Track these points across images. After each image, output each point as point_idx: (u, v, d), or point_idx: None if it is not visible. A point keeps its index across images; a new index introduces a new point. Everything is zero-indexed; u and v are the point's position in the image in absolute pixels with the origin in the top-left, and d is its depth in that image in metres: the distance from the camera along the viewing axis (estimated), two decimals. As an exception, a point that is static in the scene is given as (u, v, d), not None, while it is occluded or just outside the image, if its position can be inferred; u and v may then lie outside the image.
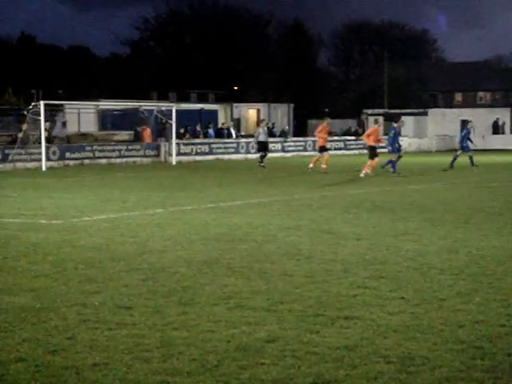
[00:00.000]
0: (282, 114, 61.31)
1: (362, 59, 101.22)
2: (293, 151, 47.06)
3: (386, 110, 69.26)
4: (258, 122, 37.26)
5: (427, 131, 63.45)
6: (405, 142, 58.63)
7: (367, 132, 29.51)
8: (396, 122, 29.83)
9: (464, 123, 33.86)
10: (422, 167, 33.21)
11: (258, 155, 34.84)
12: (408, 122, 65.77)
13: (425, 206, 16.87)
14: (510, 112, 60.21)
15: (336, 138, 55.31)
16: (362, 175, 26.20)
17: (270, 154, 35.16)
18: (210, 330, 6.68)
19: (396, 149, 28.71)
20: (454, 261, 9.91)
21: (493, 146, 53.25)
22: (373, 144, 27.46)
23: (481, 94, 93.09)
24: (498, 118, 58.45)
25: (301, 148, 48.34)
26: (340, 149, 51.87)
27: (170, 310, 7.40)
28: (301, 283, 8.60)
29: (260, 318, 7.10)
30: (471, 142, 32.21)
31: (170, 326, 6.81)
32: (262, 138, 34.45)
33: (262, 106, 59.63)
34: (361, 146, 54.45)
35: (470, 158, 31.24)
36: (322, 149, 30.19)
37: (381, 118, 32.97)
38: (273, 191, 21.02)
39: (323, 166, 28.69)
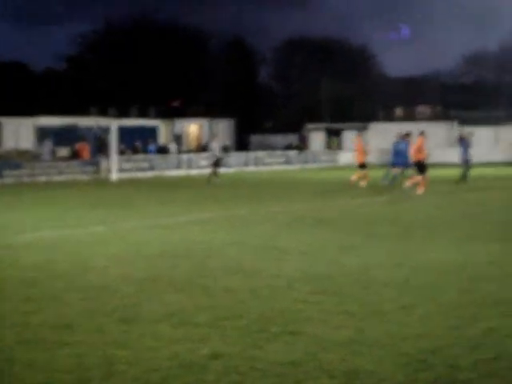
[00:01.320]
0: (223, 129, 61.38)
1: (302, 74, 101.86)
2: (234, 166, 47.13)
3: (328, 125, 69.87)
4: (212, 137, 37.25)
5: (369, 145, 64.11)
6: (347, 156, 59.35)
7: (416, 146, 25.86)
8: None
9: (461, 138, 33.76)
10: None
11: (209, 170, 34.86)
12: (349, 137, 66.53)
13: (369, 220, 16.99)
14: (450, 125, 61.18)
15: (278, 152, 55.61)
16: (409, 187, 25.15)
17: (209, 170, 35.15)
18: (152, 348, 6.58)
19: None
20: (397, 274, 9.97)
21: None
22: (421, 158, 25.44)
23: (420, 108, 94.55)
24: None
25: (242, 163, 48.47)
26: (282, 163, 52.13)
27: (112, 329, 7.27)
28: (245, 299, 8.55)
29: (203, 334, 7.02)
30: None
31: (111, 345, 6.69)
32: (218, 152, 34.56)
33: (204, 122, 59.63)
34: (303, 161, 54.87)
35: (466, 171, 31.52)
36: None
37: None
38: (216, 207, 20.97)
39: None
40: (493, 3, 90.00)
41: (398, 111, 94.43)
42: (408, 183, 24.89)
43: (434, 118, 71.96)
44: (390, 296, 8.59)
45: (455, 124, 61.12)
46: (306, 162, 55.24)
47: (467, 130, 40.06)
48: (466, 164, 31.51)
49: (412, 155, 25.25)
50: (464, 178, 31.03)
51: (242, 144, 64.48)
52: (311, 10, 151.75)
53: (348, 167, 53.41)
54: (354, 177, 29.42)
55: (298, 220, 17.11)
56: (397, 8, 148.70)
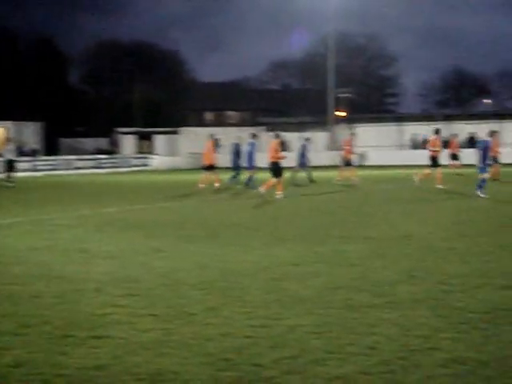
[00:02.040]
0: (31, 132, 59.61)
1: (114, 78, 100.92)
2: (43, 170, 45.92)
3: (138, 129, 69.58)
4: (8, 140, 36.02)
5: (179, 150, 64.52)
6: (158, 160, 59.39)
7: (273, 148, 25.66)
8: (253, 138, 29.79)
9: (305, 141, 34.54)
10: (176, 185, 33.66)
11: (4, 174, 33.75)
12: (160, 141, 66.61)
13: (178, 223, 17.11)
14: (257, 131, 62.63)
15: (89, 156, 54.79)
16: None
17: (18, 174, 34.09)
18: (-49, 359, 6.33)
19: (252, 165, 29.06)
20: (204, 276, 10.13)
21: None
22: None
23: (230, 113, 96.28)
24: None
25: (51, 167, 47.35)
26: (93, 167, 51.40)
27: None
28: (50, 304, 8.40)
29: (6, 342, 6.84)
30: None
31: None
32: (12, 156, 33.46)
33: (11, 125, 57.61)
34: (114, 165, 54.34)
35: (308, 174, 32.66)
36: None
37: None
38: (24, 211, 20.36)
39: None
40: (298, 12, 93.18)
41: (209, 116, 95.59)
42: (263, 187, 24.84)
43: (243, 123, 73.37)
44: (197, 298, 8.72)
45: (263, 129, 62.67)
46: (117, 165, 54.78)
47: (306, 135, 41.19)
48: (303, 167, 32.76)
49: (269, 157, 25.37)
50: (309, 180, 32.26)
51: (51, 148, 62.92)
52: (123, 14, 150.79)
53: (159, 171, 53.48)
54: (201, 182, 29.54)
55: (109, 223, 16.96)
56: (208, 15, 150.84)
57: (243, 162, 30.38)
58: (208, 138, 31.00)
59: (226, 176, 31.76)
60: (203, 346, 6.65)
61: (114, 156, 58.82)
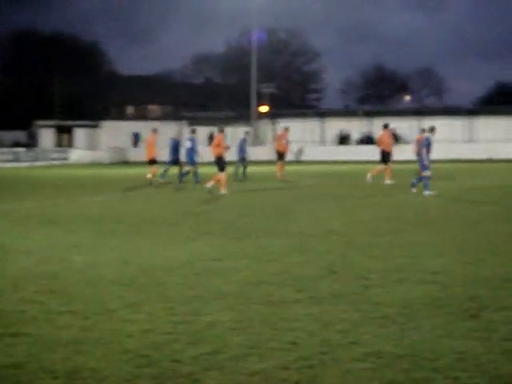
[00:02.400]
0: None
1: (32, 69, 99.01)
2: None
3: (58, 122, 68.47)
4: None
5: (100, 144, 63.76)
6: (78, 154, 58.51)
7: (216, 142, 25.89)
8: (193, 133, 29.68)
9: (244, 135, 34.11)
10: (96, 180, 33.25)
11: None
12: (80, 134, 65.67)
13: (99, 217, 16.89)
14: (179, 125, 62.31)
15: (6, 149, 53.66)
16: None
17: None
18: None
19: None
20: (124, 272, 10.01)
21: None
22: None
23: (152, 107, 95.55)
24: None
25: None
26: (10, 161, 50.35)
27: None
28: (-36, 302, 8.17)
29: None
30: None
31: None
32: None
33: None
34: (32, 158, 53.33)
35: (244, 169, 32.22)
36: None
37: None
38: None
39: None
40: (219, 7, 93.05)
41: (130, 110, 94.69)
42: (209, 182, 24.43)
43: (165, 117, 72.91)
44: (117, 294, 8.60)
45: (185, 124, 62.44)
46: (35, 159, 53.77)
47: (246, 129, 40.96)
48: (243, 162, 32.50)
49: (212, 151, 24.95)
50: (243, 175, 32.11)
51: None
52: (43, 4, 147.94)
53: (79, 165, 52.74)
54: (148, 175, 29.12)
55: (27, 218, 16.62)
56: (131, 7, 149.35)
57: (183, 158, 29.84)
58: (152, 132, 30.57)
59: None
60: (123, 343, 6.56)
61: (33, 149, 57.70)
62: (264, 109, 68.68)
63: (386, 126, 29.33)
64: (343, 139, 58.55)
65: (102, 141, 63.68)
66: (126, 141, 62.46)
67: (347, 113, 68.20)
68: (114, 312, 7.73)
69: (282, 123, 60.85)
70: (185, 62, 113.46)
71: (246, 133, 34.96)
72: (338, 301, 8.15)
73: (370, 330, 6.90)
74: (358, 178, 29.28)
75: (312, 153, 57.00)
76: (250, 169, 34.92)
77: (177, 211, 18.56)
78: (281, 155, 32.98)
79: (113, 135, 61.60)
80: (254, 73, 62.88)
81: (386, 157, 28.42)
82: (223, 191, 24.11)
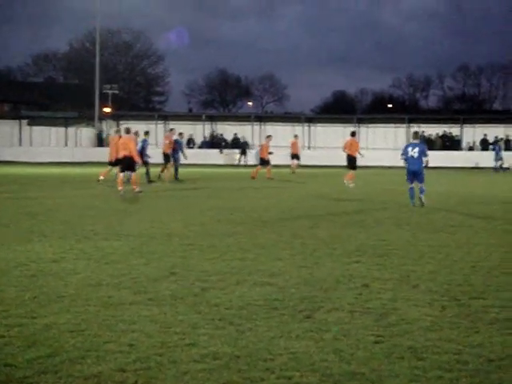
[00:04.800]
0: None
1: None
2: None
3: None
4: None
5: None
6: None
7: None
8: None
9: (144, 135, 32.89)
10: None
11: None
12: None
13: None
14: (18, 124, 60.49)
15: None
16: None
17: None
18: None
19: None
20: (-45, 274, 9.63)
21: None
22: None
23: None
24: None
25: None
26: None
27: None
28: None
29: None
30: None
31: None
32: None
33: None
34: None
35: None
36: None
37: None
38: None
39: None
40: (63, 6, 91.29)
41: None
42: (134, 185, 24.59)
43: (3, 116, 70.40)
44: None
45: (25, 123, 60.67)
46: None
47: (146, 129, 39.32)
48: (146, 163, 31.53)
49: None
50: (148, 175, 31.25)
51: None
52: None
53: None
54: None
55: None
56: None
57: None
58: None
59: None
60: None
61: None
62: (107, 110, 67.78)
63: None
64: (189, 143, 58.61)
65: None
66: None
67: (191, 116, 68.41)
68: None
69: (126, 125, 60.47)
70: (25, 61, 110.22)
71: (146, 133, 33.92)
72: (177, 302, 8.18)
73: (207, 332, 6.97)
74: (196, 182, 29.33)
75: (156, 155, 56.71)
76: (94, 170, 34.21)
77: (14, 212, 18.01)
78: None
79: None
80: (97, 73, 61.95)
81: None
82: (137, 189, 24.55)
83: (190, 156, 38.25)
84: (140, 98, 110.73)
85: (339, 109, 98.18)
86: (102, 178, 29.84)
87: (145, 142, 32.46)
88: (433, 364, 6.06)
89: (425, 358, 6.20)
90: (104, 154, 52.79)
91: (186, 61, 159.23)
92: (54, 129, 60.22)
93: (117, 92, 75.27)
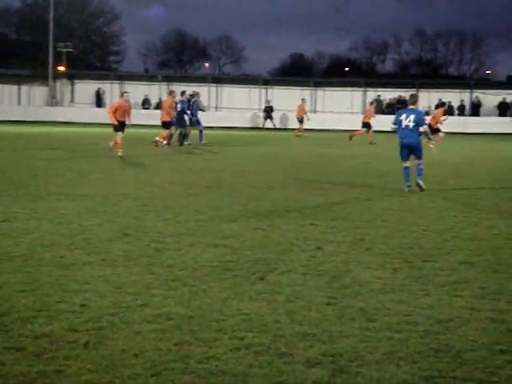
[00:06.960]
0: None
1: None
2: None
3: None
4: None
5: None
6: None
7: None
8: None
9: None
10: None
11: None
12: None
13: None
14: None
15: None
16: None
17: None
18: None
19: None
20: None
21: None
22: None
23: None
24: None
25: None
26: None
27: None
28: None
29: None
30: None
31: None
32: None
33: None
34: None
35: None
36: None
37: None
38: None
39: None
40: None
41: None
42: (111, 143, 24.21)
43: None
44: None
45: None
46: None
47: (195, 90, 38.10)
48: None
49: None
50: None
51: None
52: None
53: None
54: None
55: None
56: None
57: None
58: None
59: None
60: None
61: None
62: (61, 68, 66.75)
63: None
64: (144, 103, 58.01)
65: None
66: None
67: (147, 77, 67.68)
68: None
69: (81, 84, 59.68)
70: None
71: (195, 94, 33.00)
72: (131, 263, 8.16)
73: (160, 293, 6.97)
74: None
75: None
76: (46, 129, 33.69)
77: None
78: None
79: None
80: (51, 30, 60.86)
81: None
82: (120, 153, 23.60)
83: (144, 117, 37.82)
84: (95, 57, 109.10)
85: (297, 72, 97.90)
86: (164, 142, 29.13)
87: (183, 102, 31.71)
88: (383, 325, 6.14)
89: (375, 320, 6.28)
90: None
91: (142, 20, 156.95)
92: (6, 86, 59.11)
93: (71, 50, 74.03)
